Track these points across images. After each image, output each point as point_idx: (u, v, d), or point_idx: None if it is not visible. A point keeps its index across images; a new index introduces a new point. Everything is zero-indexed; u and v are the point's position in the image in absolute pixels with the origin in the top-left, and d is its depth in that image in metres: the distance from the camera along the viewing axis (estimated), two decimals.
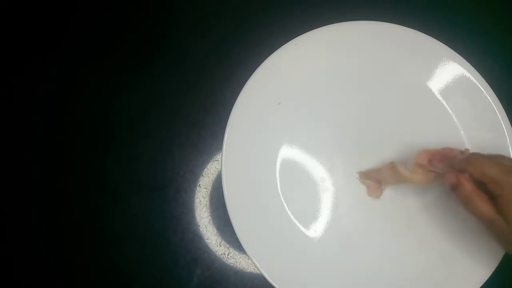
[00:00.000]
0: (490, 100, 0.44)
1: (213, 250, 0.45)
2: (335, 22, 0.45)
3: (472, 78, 0.45)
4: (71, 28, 0.50)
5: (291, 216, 0.43)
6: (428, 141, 0.44)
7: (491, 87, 0.44)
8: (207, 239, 0.45)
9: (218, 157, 0.47)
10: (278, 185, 0.43)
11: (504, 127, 0.44)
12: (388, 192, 0.43)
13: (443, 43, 0.45)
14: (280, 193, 0.43)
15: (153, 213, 0.46)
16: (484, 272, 0.41)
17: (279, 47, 0.44)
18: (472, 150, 0.40)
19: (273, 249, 0.42)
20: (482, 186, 0.36)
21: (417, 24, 0.46)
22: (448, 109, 0.45)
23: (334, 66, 0.46)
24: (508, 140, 0.43)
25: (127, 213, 0.46)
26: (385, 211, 0.43)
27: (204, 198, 0.46)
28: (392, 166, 0.41)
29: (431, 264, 0.42)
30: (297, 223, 0.43)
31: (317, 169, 0.44)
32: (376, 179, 0.43)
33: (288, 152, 0.44)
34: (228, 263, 0.45)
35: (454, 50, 0.45)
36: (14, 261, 0.46)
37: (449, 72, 0.45)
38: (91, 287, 0.45)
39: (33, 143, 0.48)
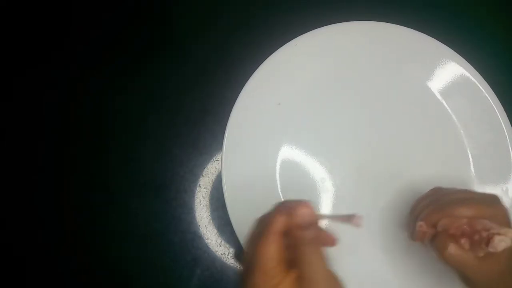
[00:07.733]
0: (490, 100, 0.44)
1: (213, 250, 0.45)
2: (335, 22, 0.45)
3: (471, 78, 0.45)
4: (72, 29, 0.50)
5: None
6: (427, 141, 0.45)
7: (491, 87, 0.44)
8: (207, 239, 0.45)
9: (218, 157, 0.47)
10: (278, 186, 0.43)
11: (504, 127, 0.44)
12: (389, 191, 0.44)
13: (443, 43, 0.45)
14: (280, 194, 0.43)
15: (153, 213, 0.46)
16: None
17: (279, 48, 0.44)
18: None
19: None
20: None
21: (417, 24, 0.46)
22: (448, 109, 0.45)
23: (334, 66, 0.46)
24: (508, 140, 0.43)
25: (127, 213, 0.46)
26: (384, 212, 0.43)
27: (204, 198, 0.46)
28: None
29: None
30: None
31: (317, 170, 0.44)
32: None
33: (288, 152, 0.44)
34: (228, 263, 0.45)
35: (454, 50, 0.45)
36: (15, 261, 0.46)
37: (448, 72, 0.45)
38: (91, 287, 0.46)
39: (34, 143, 0.48)
